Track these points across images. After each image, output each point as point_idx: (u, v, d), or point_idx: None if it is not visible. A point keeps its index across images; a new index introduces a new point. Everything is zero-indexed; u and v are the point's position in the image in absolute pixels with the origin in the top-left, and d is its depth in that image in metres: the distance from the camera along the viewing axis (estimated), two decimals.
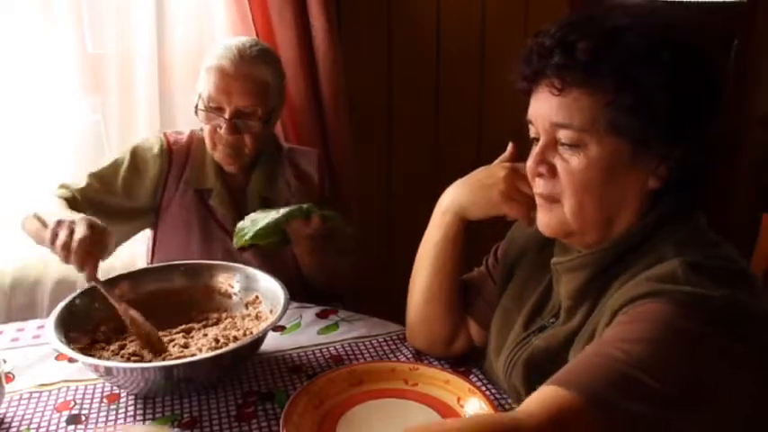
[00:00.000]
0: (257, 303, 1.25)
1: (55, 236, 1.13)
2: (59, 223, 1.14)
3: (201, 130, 1.51)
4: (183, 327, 1.21)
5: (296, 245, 1.41)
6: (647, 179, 0.85)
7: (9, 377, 1.14)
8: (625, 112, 0.81)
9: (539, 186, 0.91)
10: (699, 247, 0.82)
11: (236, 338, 1.15)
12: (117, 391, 1.10)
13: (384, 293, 1.54)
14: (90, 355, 1.08)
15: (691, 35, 0.84)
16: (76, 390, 1.11)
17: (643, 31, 0.82)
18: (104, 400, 1.08)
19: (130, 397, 1.09)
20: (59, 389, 1.11)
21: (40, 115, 1.75)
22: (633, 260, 0.85)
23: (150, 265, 1.56)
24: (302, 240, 1.37)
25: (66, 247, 1.11)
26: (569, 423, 0.65)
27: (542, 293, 1.02)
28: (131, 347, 1.14)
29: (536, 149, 0.89)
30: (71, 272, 1.76)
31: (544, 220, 0.92)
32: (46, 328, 1.08)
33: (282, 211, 1.30)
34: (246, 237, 1.25)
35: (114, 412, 1.05)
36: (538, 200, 0.93)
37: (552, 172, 0.88)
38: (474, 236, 1.14)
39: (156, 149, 1.51)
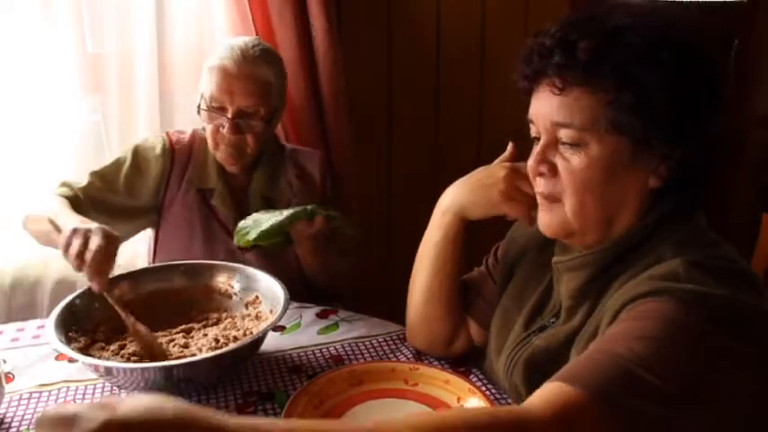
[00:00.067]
0: (257, 303, 1.25)
1: (69, 245, 1.12)
2: (74, 232, 1.13)
3: (204, 129, 1.51)
4: (183, 327, 1.21)
5: (298, 245, 1.41)
6: (647, 178, 0.86)
7: (9, 377, 1.14)
8: (626, 111, 0.81)
9: (540, 186, 0.91)
10: (699, 247, 0.82)
11: (236, 338, 1.15)
12: (117, 392, 1.10)
13: (384, 293, 1.54)
14: (90, 355, 1.08)
15: (691, 35, 0.85)
16: (76, 390, 1.11)
17: (643, 30, 0.82)
18: None
19: None
20: (59, 389, 1.11)
21: (40, 115, 1.75)
22: (633, 260, 0.85)
23: (150, 265, 1.56)
24: (305, 241, 1.38)
25: (81, 256, 1.11)
26: (574, 419, 0.65)
27: (543, 293, 1.02)
28: (131, 347, 1.13)
29: (537, 149, 0.89)
30: (71, 272, 1.76)
31: (545, 221, 0.92)
32: (46, 328, 1.08)
33: (286, 212, 1.29)
34: (250, 237, 1.25)
35: None
36: (539, 200, 0.93)
37: (553, 171, 0.88)
38: (474, 236, 1.14)
39: (158, 149, 1.51)
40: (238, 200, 1.54)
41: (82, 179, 1.47)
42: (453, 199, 1.09)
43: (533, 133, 0.91)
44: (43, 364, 1.19)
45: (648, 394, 0.67)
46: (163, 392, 1.05)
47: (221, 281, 1.30)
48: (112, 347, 1.14)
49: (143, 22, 1.77)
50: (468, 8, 2.13)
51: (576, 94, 0.83)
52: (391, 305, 1.28)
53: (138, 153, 1.51)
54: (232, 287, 1.28)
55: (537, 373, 0.91)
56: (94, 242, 1.11)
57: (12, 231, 1.65)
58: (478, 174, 1.07)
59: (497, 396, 1.05)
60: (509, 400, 1.03)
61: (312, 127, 1.91)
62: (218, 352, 1.05)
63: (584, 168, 0.84)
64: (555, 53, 0.84)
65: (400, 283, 1.22)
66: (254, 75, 1.42)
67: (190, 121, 1.62)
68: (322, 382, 1.06)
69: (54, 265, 1.79)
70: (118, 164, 1.50)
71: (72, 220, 1.19)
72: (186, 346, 1.15)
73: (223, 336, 1.16)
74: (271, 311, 1.19)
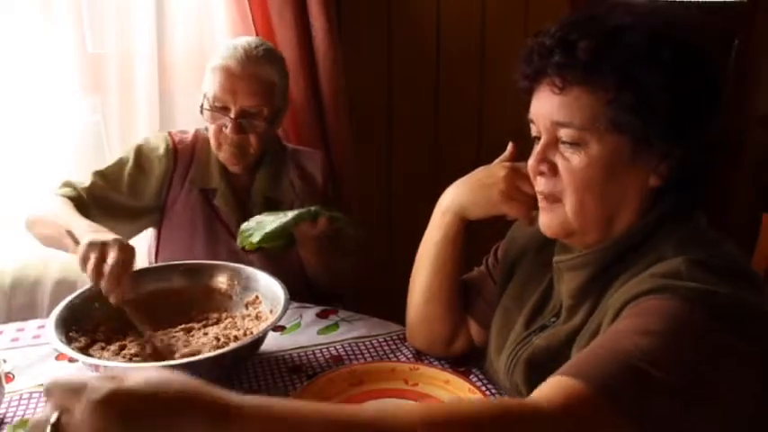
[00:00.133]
0: (257, 303, 1.25)
1: (86, 258, 1.12)
2: (91, 245, 1.12)
3: (206, 129, 1.51)
4: (183, 326, 1.21)
5: (302, 246, 1.41)
6: (647, 177, 0.86)
7: (9, 377, 1.14)
8: (626, 110, 0.81)
9: (540, 185, 0.91)
10: (700, 246, 0.82)
11: (236, 338, 1.15)
12: None
13: (384, 293, 1.54)
14: (90, 356, 1.08)
15: (691, 35, 0.85)
16: None
17: (644, 30, 0.82)
18: None
19: None
20: None
21: (40, 115, 1.75)
22: (634, 259, 0.85)
23: (150, 265, 1.56)
24: (308, 242, 1.38)
25: (98, 269, 1.11)
26: (582, 413, 0.65)
27: (543, 293, 1.02)
28: (132, 348, 1.13)
29: (537, 148, 0.90)
30: (71, 272, 1.77)
31: (545, 221, 0.92)
32: (46, 328, 1.08)
33: (290, 214, 1.29)
34: (254, 239, 1.25)
35: None
36: (539, 199, 0.93)
37: (553, 170, 0.88)
38: (474, 236, 1.14)
39: (161, 149, 1.51)
40: (241, 200, 1.54)
41: (82, 179, 1.47)
42: (453, 199, 1.09)
43: (534, 133, 0.91)
44: (43, 364, 1.19)
45: (654, 388, 0.67)
46: None
47: (221, 281, 1.29)
48: (113, 347, 1.13)
49: (143, 22, 1.77)
50: (468, 8, 2.14)
51: (576, 93, 0.83)
52: (391, 305, 1.28)
53: (141, 153, 1.51)
54: (232, 287, 1.28)
55: (538, 372, 0.91)
56: (111, 256, 1.11)
57: (12, 231, 1.65)
58: (478, 174, 1.07)
59: (497, 396, 1.05)
60: None
61: (312, 127, 1.91)
62: (219, 352, 1.05)
63: (584, 168, 0.84)
64: (555, 53, 0.84)
65: (400, 283, 1.22)
66: (257, 75, 1.42)
67: (190, 121, 1.62)
68: (322, 382, 1.06)
69: (54, 265, 1.79)
70: (121, 164, 1.49)
71: (84, 229, 1.19)
72: (186, 345, 1.15)
73: (223, 335, 1.16)
74: (271, 311, 1.19)
